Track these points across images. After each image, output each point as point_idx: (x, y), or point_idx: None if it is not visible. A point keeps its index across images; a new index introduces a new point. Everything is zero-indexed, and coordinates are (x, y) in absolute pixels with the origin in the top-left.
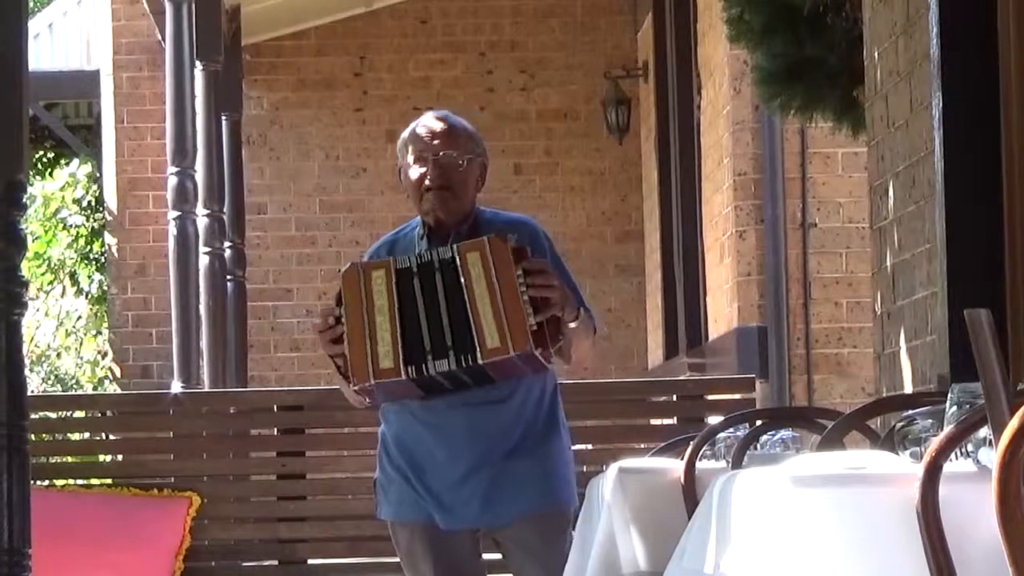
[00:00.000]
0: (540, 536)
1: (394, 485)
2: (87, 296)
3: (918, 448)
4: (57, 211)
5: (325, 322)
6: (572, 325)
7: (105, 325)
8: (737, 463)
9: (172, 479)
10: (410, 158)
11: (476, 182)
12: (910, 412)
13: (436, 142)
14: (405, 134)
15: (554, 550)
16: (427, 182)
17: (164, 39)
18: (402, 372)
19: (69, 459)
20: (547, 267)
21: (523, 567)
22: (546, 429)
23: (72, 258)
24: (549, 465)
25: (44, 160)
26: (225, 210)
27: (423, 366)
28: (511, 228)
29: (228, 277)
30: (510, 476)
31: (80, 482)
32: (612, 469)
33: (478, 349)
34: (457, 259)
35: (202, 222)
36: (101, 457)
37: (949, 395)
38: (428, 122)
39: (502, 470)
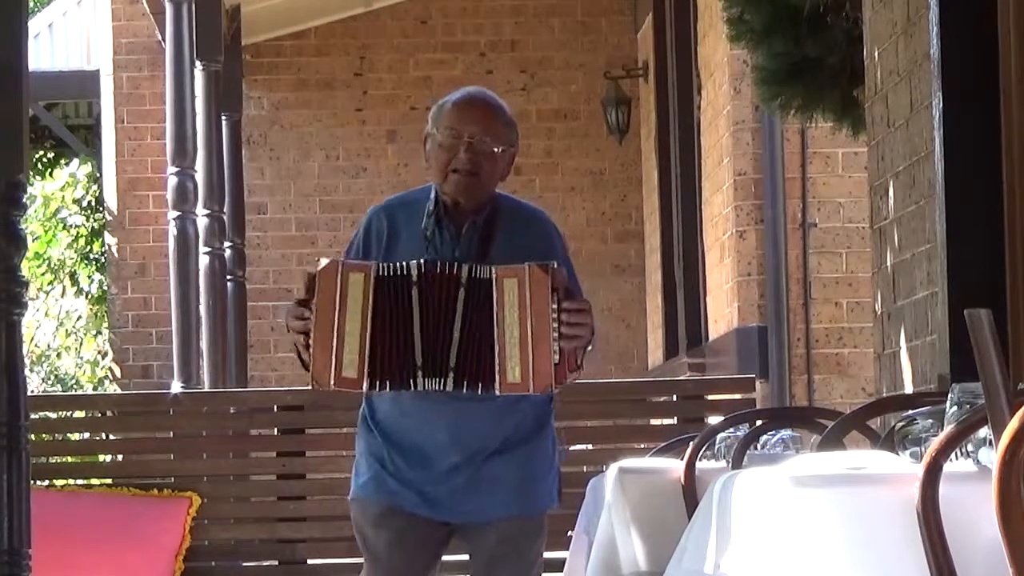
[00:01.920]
0: (512, 540)
1: (366, 463)
2: (87, 296)
3: (918, 448)
4: (57, 211)
5: (298, 311)
6: (590, 349)
7: (105, 325)
8: (737, 463)
9: (172, 479)
10: (443, 132)
11: (503, 171)
12: (910, 412)
13: (474, 125)
14: (444, 103)
15: (524, 556)
16: (455, 164)
17: (164, 39)
18: (364, 384)
19: (69, 459)
20: (585, 306)
21: (489, 570)
22: (534, 432)
23: (72, 258)
24: (532, 469)
25: (44, 160)
26: (225, 210)
27: (410, 380)
28: (528, 221)
29: (228, 277)
30: (492, 476)
31: (80, 482)
32: (612, 469)
33: (497, 380)
34: (493, 282)
35: (202, 222)
36: (101, 457)
37: (949, 395)
38: (470, 100)
39: (485, 469)
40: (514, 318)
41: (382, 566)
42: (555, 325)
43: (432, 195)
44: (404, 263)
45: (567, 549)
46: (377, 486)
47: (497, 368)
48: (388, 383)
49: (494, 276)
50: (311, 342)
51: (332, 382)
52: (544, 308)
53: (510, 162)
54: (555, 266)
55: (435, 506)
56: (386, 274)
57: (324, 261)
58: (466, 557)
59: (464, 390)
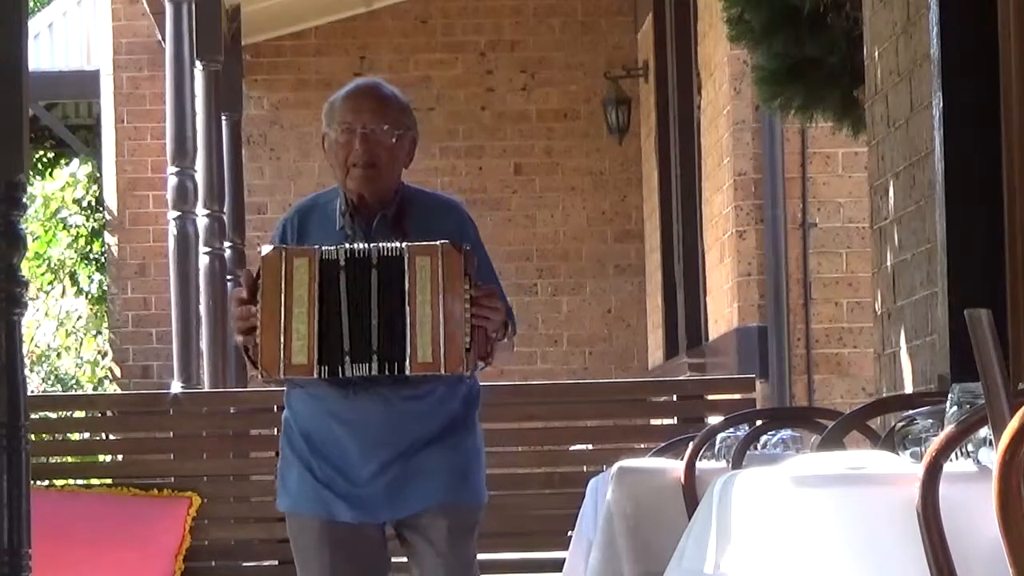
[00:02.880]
0: (447, 529)
1: (293, 474)
2: (87, 296)
3: (918, 448)
4: (57, 211)
5: (240, 300)
6: (504, 341)
7: (105, 325)
8: (737, 463)
9: (172, 479)
10: (338, 128)
11: (405, 158)
12: (910, 412)
13: (365, 115)
14: (335, 98)
15: (460, 545)
16: (353, 158)
17: (164, 39)
18: (315, 371)
19: (69, 459)
20: (495, 290)
21: (426, 561)
22: (462, 424)
23: (72, 258)
24: (462, 458)
25: (44, 160)
26: (225, 210)
27: (339, 367)
28: (439, 210)
29: (228, 277)
30: (421, 467)
31: (80, 482)
32: (613, 469)
33: (407, 360)
34: (405, 260)
35: (202, 222)
36: (101, 457)
37: (949, 395)
38: (357, 92)
39: (415, 461)
40: (426, 296)
41: None
42: (467, 306)
43: (340, 195)
44: (336, 248)
45: (567, 549)
46: (310, 499)
47: (408, 347)
48: (330, 370)
49: (406, 254)
50: (258, 334)
51: (282, 372)
52: (456, 287)
53: (411, 147)
54: (467, 248)
55: (370, 509)
56: (327, 258)
57: (266, 248)
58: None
59: (385, 372)
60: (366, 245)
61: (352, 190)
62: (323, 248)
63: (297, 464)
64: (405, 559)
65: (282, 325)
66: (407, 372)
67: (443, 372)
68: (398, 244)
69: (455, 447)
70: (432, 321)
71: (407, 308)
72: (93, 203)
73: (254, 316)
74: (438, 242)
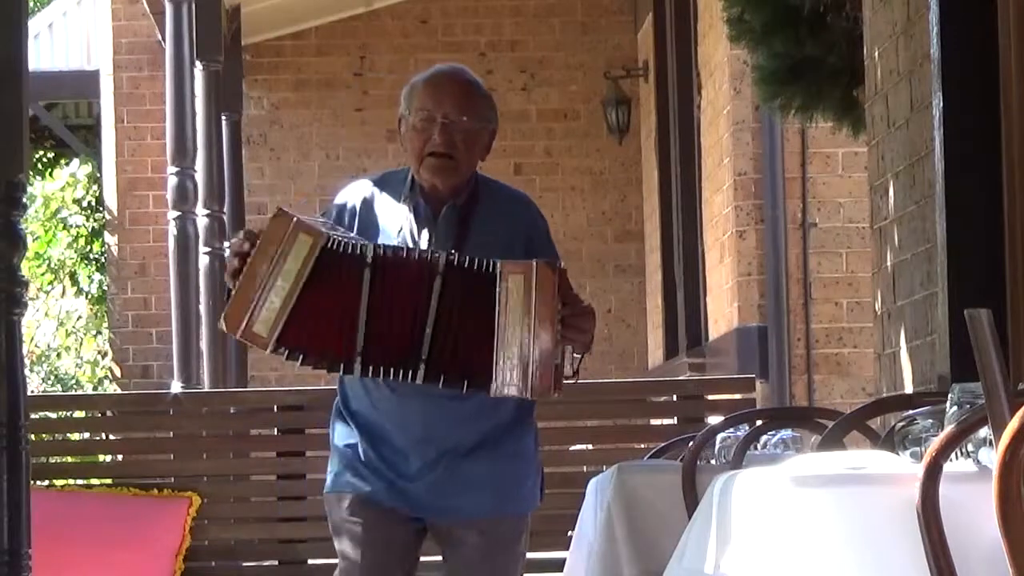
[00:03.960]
0: (490, 543)
1: (338, 456)
2: (87, 296)
3: (918, 448)
4: (57, 211)
5: (240, 243)
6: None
7: (105, 325)
8: (737, 463)
9: (172, 479)
10: (417, 115)
11: (482, 151)
12: (910, 412)
13: (449, 105)
14: (416, 82)
15: (501, 558)
16: (430, 147)
17: (164, 39)
18: (270, 346)
19: (69, 459)
20: (589, 311)
21: (464, 571)
22: (515, 428)
23: (72, 258)
24: (516, 468)
25: (44, 160)
26: (225, 210)
27: (348, 363)
28: (508, 204)
29: None
30: (469, 475)
31: (80, 482)
32: (612, 469)
33: (494, 382)
34: (498, 277)
35: (202, 222)
36: (101, 457)
37: (949, 395)
38: (442, 78)
39: (465, 467)
40: (517, 318)
41: (357, 560)
42: (558, 328)
43: (408, 177)
44: (360, 244)
45: (567, 549)
46: (352, 478)
47: (495, 369)
48: (302, 356)
49: (499, 271)
50: (235, 285)
51: (239, 332)
52: (549, 308)
53: (490, 140)
54: (562, 266)
55: (411, 501)
56: (336, 248)
57: (282, 210)
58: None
59: (440, 386)
60: (420, 251)
61: (426, 179)
62: (332, 235)
63: (343, 448)
64: (435, 558)
65: (258, 289)
66: (490, 394)
67: (529, 397)
68: (487, 259)
69: (506, 454)
70: (521, 345)
71: (497, 328)
72: (93, 203)
73: (243, 258)
74: (532, 261)
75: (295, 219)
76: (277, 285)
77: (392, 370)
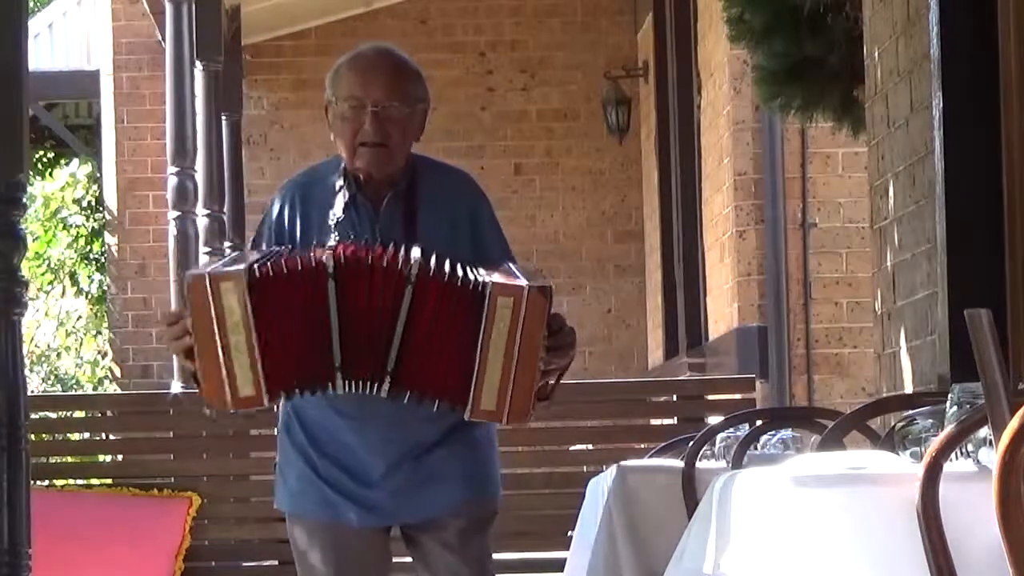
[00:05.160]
0: (462, 527)
1: (294, 470)
2: (87, 296)
3: (918, 448)
4: (57, 211)
5: (173, 330)
6: None
7: (105, 325)
8: (737, 463)
9: (172, 479)
10: (345, 103)
11: (417, 132)
12: (910, 412)
13: (376, 90)
14: (341, 65)
15: (474, 539)
16: (362, 136)
17: (164, 39)
18: (265, 399)
19: (69, 459)
20: (572, 339)
21: (435, 559)
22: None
23: (72, 258)
24: (476, 452)
25: (44, 160)
26: (225, 210)
27: (328, 383)
28: (451, 182)
29: None
30: (435, 469)
31: (80, 482)
32: (612, 469)
33: (469, 404)
34: (487, 297)
35: (202, 222)
36: (101, 457)
37: (949, 395)
38: (367, 62)
39: (425, 462)
40: (501, 341)
41: None
42: (542, 355)
43: (341, 168)
44: (313, 253)
45: (567, 549)
46: (314, 499)
47: (472, 391)
48: (298, 390)
49: (488, 291)
50: (196, 365)
51: (229, 404)
52: (535, 336)
53: (423, 119)
54: (552, 290)
55: (378, 513)
56: (269, 273)
57: (190, 275)
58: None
59: (405, 400)
60: (393, 250)
61: (360, 169)
62: (254, 265)
63: (298, 460)
64: (407, 559)
65: (220, 356)
66: (466, 417)
67: (504, 423)
68: (476, 276)
69: (468, 442)
70: (503, 370)
71: (480, 349)
72: (93, 203)
73: (187, 338)
74: (525, 284)
75: (207, 274)
76: (232, 343)
77: (360, 384)
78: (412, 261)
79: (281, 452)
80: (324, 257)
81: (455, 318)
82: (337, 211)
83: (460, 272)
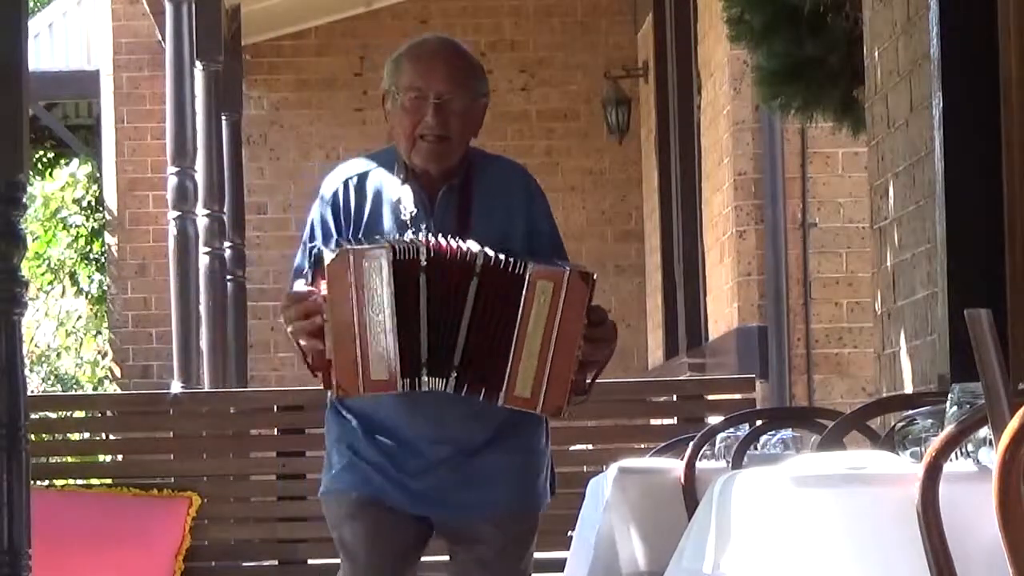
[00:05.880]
0: (505, 541)
1: (341, 456)
2: (87, 296)
3: (918, 448)
4: (57, 211)
5: (304, 307)
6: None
7: (105, 325)
8: (737, 463)
9: (172, 479)
10: (406, 94)
11: (477, 126)
12: (910, 412)
13: (439, 82)
14: (402, 55)
15: (516, 557)
16: (422, 129)
17: (164, 39)
18: (399, 385)
19: (69, 459)
20: (612, 335)
21: (476, 570)
22: (529, 420)
23: (72, 258)
24: (530, 462)
25: (44, 160)
26: (225, 210)
27: (417, 380)
28: (507, 177)
29: (228, 277)
30: (481, 471)
31: (80, 482)
32: (612, 469)
33: (504, 391)
34: (526, 281)
35: (202, 222)
36: (101, 457)
37: (949, 395)
38: (431, 52)
39: (478, 462)
40: (539, 326)
41: (360, 563)
42: (580, 343)
43: (398, 159)
44: (415, 244)
45: (567, 549)
46: (352, 476)
47: (507, 377)
48: (411, 382)
49: (528, 273)
50: (330, 350)
51: (361, 388)
52: (575, 323)
53: (483, 113)
54: (595, 278)
55: (416, 501)
56: (402, 257)
57: (329, 254)
58: (446, 557)
59: (464, 394)
60: (464, 246)
61: (418, 164)
62: (395, 246)
63: (341, 446)
64: (435, 558)
65: (356, 337)
66: (500, 404)
67: (538, 412)
68: (516, 260)
69: (518, 448)
70: (540, 356)
71: (516, 334)
72: (93, 203)
73: (321, 314)
74: (565, 268)
75: (350, 251)
76: (372, 323)
77: (434, 381)
78: (477, 253)
79: (328, 442)
80: (419, 248)
81: (504, 307)
82: (408, 204)
83: (512, 262)
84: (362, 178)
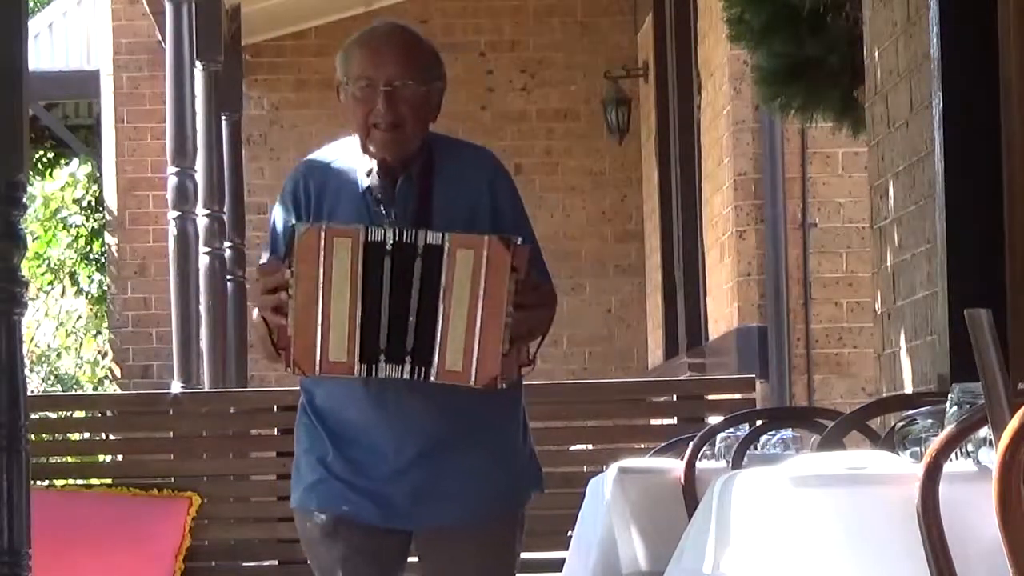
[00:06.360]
0: (482, 546)
1: (303, 465)
2: (87, 296)
3: (918, 448)
4: (57, 211)
5: (272, 280)
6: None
7: (105, 325)
8: (737, 463)
9: (172, 479)
10: (357, 83)
11: (433, 112)
12: (910, 412)
13: (389, 68)
14: (352, 44)
15: (493, 562)
16: (374, 118)
17: (164, 39)
18: (355, 369)
19: (69, 459)
20: (546, 299)
21: (459, 572)
22: (504, 415)
23: (72, 258)
24: (507, 460)
25: (44, 160)
26: (225, 210)
27: (375, 367)
28: (469, 161)
29: (228, 277)
30: (459, 473)
31: (80, 482)
32: (612, 469)
33: (434, 366)
34: (445, 250)
35: (202, 222)
36: (101, 457)
37: (949, 395)
38: (379, 39)
39: (450, 464)
40: (463, 295)
41: None
42: (510, 310)
43: (358, 151)
44: (384, 228)
45: (567, 549)
46: (323, 493)
47: (436, 351)
48: (369, 368)
49: (447, 244)
50: (291, 325)
51: (317, 367)
52: (499, 290)
53: (439, 99)
54: (518, 242)
55: (392, 512)
56: (374, 240)
57: (302, 227)
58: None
59: (415, 377)
60: (413, 230)
61: (374, 153)
62: (368, 227)
63: (311, 456)
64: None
65: (320, 315)
66: (432, 379)
67: (472, 384)
68: (440, 233)
69: (497, 447)
70: (467, 326)
71: (440, 305)
72: (93, 203)
73: (285, 290)
74: (485, 236)
75: (322, 228)
76: (335, 303)
77: (391, 368)
78: (420, 234)
79: (297, 448)
80: (386, 232)
81: (434, 282)
82: (356, 193)
83: (431, 234)
84: (324, 168)
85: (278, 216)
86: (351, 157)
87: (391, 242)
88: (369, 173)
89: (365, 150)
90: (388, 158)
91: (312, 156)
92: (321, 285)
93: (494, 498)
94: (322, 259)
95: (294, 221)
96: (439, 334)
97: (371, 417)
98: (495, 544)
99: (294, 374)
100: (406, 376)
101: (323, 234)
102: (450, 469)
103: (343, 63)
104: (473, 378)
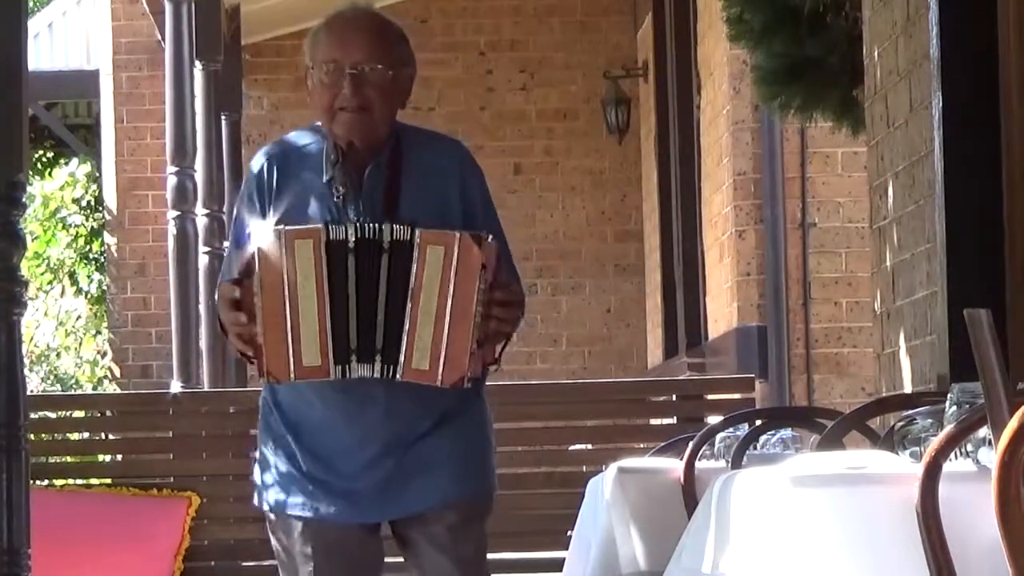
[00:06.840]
0: (452, 524)
1: (272, 464)
2: (87, 296)
3: (918, 448)
4: (57, 211)
5: (233, 304)
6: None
7: (105, 325)
8: (737, 463)
9: (172, 479)
10: (323, 68)
11: (401, 97)
12: (910, 412)
13: (355, 52)
14: (319, 29)
15: (467, 536)
16: (340, 101)
17: (164, 39)
18: (331, 371)
19: (69, 459)
20: (516, 296)
21: (426, 558)
22: (467, 402)
23: (72, 258)
24: (469, 444)
25: (44, 160)
26: (225, 210)
27: (347, 367)
28: (438, 152)
29: None
30: (423, 460)
31: (80, 482)
32: (612, 469)
33: (400, 364)
34: (415, 247)
35: (202, 222)
36: (101, 457)
37: (949, 395)
38: (345, 23)
39: (412, 453)
40: (432, 293)
41: None
42: (479, 309)
43: (326, 138)
44: (346, 225)
45: (567, 549)
46: (294, 496)
47: (403, 349)
48: (343, 369)
49: (416, 240)
50: (261, 334)
51: (292, 374)
52: (469, 288)
53: (408, 84)
54: (488, 239)
55: (362, 508)
56: (335, 239)
57: (260, 236)
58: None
59: (382, 376)
60: (376, 225)
61: (340, 136)
62: (329, 225)
63: (278, 455)
64: (401, 559)
65: (288, 322)
66: (398, 377)
67: (439, 384)
68: (408, 228)
69: (461, 432)
70: (435, 322)
71: (408, 304)
72: (92, 203)
73: (250, 325)
74: (456, 232)
75: (282, 231)
76: (303, 308)
77: (363, 367)
78: (385, 228)
79: (262, 444)
80: (347, 229)
81: (404, 279)
82: (319, 183)
83: (401, 229)
84: (287, 155)
85: (242, 208)
86: (317, 145)
87: (353, 239)
88: (336, 163)
89: (332, 134)
90: (355, 141)
91: (278, 141)
92: (287, 291)
93: (467, 478)
94: (284, 264)
95: (256, 216)
96: (406, 333)
97: (330, 414)
98: (464, 526)
99: (268, 383)
100: (376, 375)
101: (283, 239)
102: (419, 457)
103: (310, 47)
104: (440, 378)
